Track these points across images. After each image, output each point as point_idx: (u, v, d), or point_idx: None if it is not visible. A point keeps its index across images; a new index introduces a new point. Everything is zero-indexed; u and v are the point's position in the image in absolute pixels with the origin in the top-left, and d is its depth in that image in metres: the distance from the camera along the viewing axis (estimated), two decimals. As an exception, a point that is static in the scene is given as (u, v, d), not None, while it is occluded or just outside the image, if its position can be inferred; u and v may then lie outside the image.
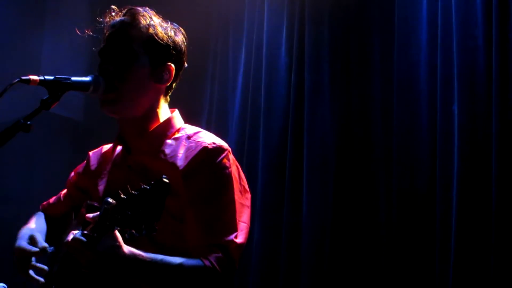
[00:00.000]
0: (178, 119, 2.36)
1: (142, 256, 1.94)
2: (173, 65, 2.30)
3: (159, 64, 2.27)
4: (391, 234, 3.50)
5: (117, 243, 1.87)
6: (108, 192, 2.27)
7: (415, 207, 3.43)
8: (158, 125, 2.29)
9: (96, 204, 2.07)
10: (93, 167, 2.46)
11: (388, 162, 3.63)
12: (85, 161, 2.54)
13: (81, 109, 4.81)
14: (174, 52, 2.30)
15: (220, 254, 2.07)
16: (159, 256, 1.99)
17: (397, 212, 3.48)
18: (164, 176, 1.72)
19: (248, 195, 2.26)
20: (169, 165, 2.18)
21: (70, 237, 1.86)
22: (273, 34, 4.33)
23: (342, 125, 3.86)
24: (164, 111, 2.34)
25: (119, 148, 2.40)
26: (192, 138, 2.25)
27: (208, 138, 2.24)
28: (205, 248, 2.08)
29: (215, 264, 2.05)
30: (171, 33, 2.31)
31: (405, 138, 3.56)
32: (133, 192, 1.74)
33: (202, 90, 4.74)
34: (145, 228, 1.70)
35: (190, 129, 2.32)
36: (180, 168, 2.16)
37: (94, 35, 2.41)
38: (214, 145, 2.20)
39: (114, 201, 1.78)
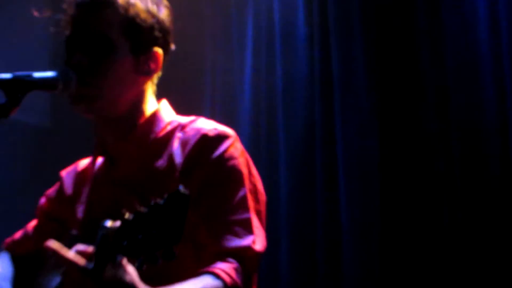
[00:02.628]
0: (166, 111, 2.17)
1: None
2: (159, 50, 2.11)
3: (143, 52, 2.09)
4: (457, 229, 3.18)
5: (128, 276, 1.64)
6: (90, 219, 2.11)
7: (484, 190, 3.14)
8: (143, 122, 2.11)
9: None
10: (68, 191, 2.28)
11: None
12: (58, 184, 2.36)
13: (47, 112, 4.56)
14: (159, 33, 2.11)
15: (236, 264, 1.89)
16: None
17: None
18: (180, 186, 1.54)
19: (262, 197, 2.06)
20: (165, 168, 2.02)
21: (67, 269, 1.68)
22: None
23: (384, 115, 3.49)
24: (151, 104, 2.16)
25: (99, 160, 2.20)
26: (188, 127, 2.08)
27: (208, 124, 2.07)
28: (217, 258, 1.90)
29: (236, 279, 1.87)
30: (154, 9, 2.11)
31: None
32: (141, 210, 1.55)
33: (200, 72, 4.31)
34: (162, 255, 1.51)
35: (183, 119, 2.15)
36: (178, 166, 2.01)
37: (53, 16, 2.16)
38: (216, 131, 2.03)
39: (114, 224, 1.61)
